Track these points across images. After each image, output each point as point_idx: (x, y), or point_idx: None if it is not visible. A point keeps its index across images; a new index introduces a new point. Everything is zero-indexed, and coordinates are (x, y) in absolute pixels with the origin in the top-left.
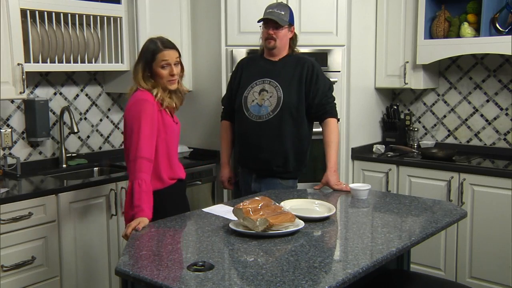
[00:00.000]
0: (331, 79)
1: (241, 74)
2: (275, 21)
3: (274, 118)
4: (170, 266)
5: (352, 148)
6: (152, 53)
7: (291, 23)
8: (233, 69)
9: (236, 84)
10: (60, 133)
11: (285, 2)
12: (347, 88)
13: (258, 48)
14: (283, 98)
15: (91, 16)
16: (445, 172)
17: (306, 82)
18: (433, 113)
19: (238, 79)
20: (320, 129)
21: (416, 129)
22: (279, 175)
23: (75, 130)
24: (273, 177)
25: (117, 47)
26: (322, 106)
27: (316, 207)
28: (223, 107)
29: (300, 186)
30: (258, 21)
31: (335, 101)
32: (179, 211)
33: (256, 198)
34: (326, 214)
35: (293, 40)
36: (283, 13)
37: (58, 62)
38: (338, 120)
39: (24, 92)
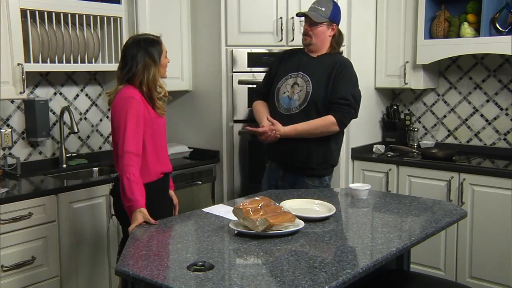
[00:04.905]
0: None
1: (279, 64)
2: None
3: (301, 113)
4: (170, 266)
5: (352, 148)
6: (159, 46)
7: (332, 20)
8: (274, 59)
9: (273, 73)
10: (60, 133)
11: None
12: None
13: (258, 47)
14: (311, 93)
15: (91, 16)
16: (445, 172)
17: (331, 79)
18: (433, 113)
19: (275, 69)
20: None
21: (416, 129)
22: (302, 171)
23: (75, 130)
24: (297, 173)
25: (117, 47)
26: (331, 106)
27: (316, 207)
28: (255, 91)
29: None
30: (297, 15)
31: (349, 111)
32: (164, 204)
33: (256, 198)
34: (326, 214)
35: (335, 38)
36: (323, 9)
37: (58, 62)
38: (341, 130)
39: (24, 92)
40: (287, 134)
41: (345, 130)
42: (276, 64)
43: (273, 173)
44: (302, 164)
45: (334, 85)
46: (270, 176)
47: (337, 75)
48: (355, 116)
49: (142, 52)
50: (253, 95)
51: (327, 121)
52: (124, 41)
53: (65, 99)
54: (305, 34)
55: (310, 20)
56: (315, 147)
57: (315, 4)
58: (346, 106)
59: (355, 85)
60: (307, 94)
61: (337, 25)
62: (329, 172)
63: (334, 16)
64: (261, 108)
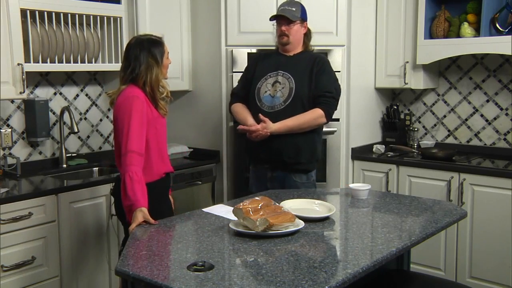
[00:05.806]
0: None
1: (256, 66)
2: (286, 18)
3: (286, 108)
4: (170, 266)
5: (352, 148)
6: (161, 47)
7: (303, 18)
8: (248, 62)
9: (250, 75)
10: (60, 133)
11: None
12: (347, 88)
13: (257, 47)
14: (295, 89)
15: (91, 16)
16: (445, 172)
17: (313, 74)
18: (433, 113)
19: (252, 71)
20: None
21: (416, 129)
22: (292, 167)
23: (75, 130)
24: (285, 171)
25: (117, 47)
26: (317, 99)
27: (316, 207)
28: (233, 94)
29: None
30: (270, 19)
31: (334, 104)
32: (165, 204)
33: (256, 198)
34: (326, 214)
35: (307, 35)
36: (294, 9)
37: (58, 62)
38: (328, 121)
39: (24, 92)
40: (278, 130)
41: (345, 130)
42: (253, 66)
43: (260, 176)
44: (291, 160)
45: (317, 79)
46: (256, 180)
47: (319, 70)
48: (336, 108)
49: (145, 53)
50: (231, 98)
51: (316, 114)
52: (124, 41)
53: (65, 99)
54: (282, 34)
55: (286, 21)
56: (303, 142)
57: (285, 6)
58: (331, 99)
59: (336, 79)
60: (291, 90)
61: (306, 22)
62: (315, 166)
63: (304, 15)
64: (242, 109)
